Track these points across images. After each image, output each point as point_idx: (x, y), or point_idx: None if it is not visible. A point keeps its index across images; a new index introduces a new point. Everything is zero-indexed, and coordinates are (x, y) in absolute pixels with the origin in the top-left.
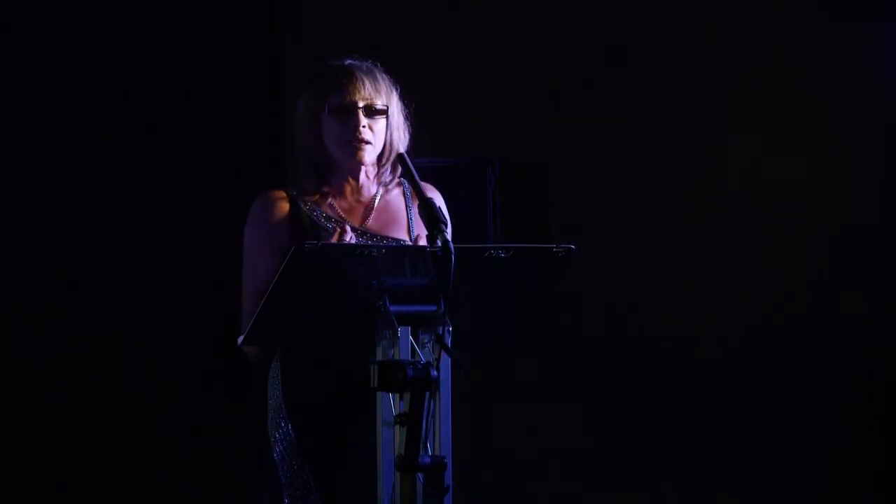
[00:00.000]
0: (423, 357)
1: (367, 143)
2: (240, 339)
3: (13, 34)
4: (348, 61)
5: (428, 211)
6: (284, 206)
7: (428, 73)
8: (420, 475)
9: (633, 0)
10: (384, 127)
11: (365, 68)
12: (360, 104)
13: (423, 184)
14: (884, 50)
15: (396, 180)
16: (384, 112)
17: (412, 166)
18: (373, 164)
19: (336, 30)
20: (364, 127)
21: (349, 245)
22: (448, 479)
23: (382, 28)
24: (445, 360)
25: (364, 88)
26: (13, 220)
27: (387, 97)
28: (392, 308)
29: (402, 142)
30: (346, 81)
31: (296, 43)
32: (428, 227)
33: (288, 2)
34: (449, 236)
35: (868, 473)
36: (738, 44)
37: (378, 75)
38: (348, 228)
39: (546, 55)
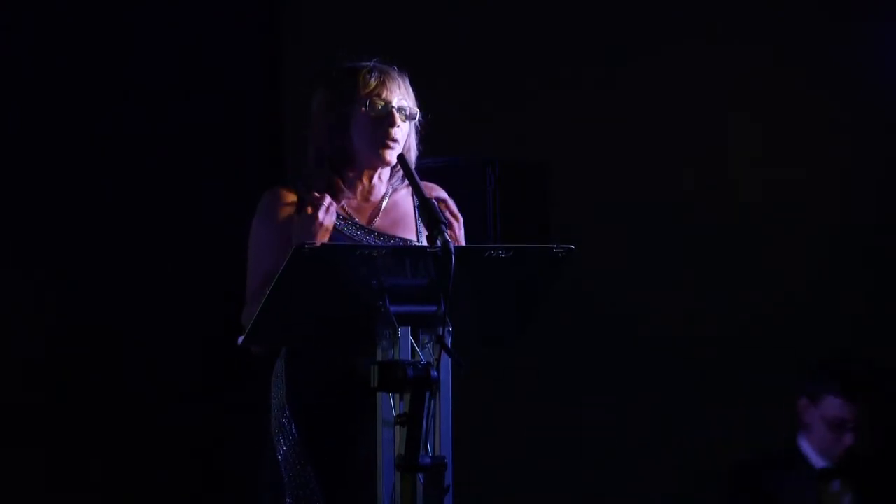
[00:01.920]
0: (423, 357)
1: (398, 143)
2: (240, 339)
3: (13, 34)
4: (378, 63)
5: (428, 211)
6: (293, 204)
7: (428, 73)
8: (420, 475)
9: (633, 0)
10: (408, 131)
11: (397, 70)
12: (396, 104)
13: (431, 185)
14: (884, 50)
15: (406, 182)
16: (414, 117)
17: (412, 167)
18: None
19: (336, 30)
20: (398, 127)
21: (349, 245)
22: (448, 478)
23: (382, 28)
24: (446, 361)
25: (399, 90)
26: (13, 219)
27: (414, 102)
28: (392, 308)
29: (413, 148)
30: (384, 80)
31: (296, 43)
32: (428, 228)
33: (288, 2)
34: (461, 237)
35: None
36: (738, 44)
37: (407, 79)
38: (327, 198)
39: (546, 55)
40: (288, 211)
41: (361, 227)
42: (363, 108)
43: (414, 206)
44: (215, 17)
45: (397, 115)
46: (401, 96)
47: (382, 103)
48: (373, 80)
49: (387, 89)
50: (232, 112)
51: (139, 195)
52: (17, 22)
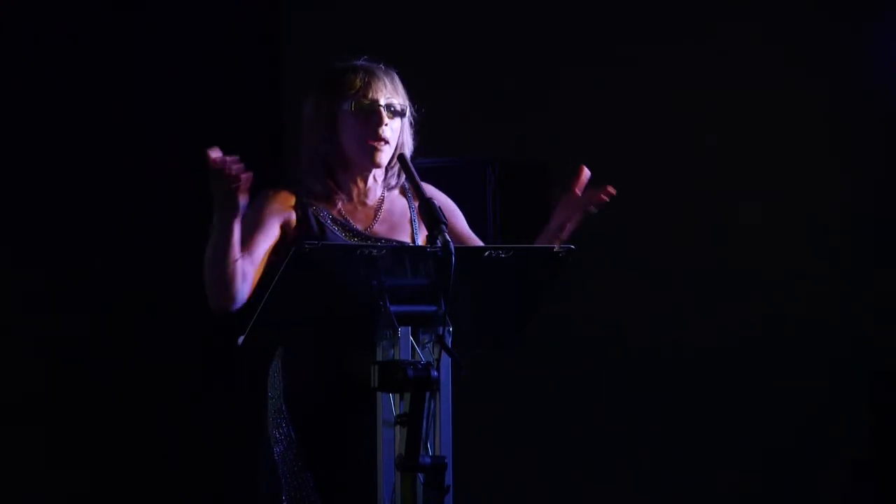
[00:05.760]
0: (423, 357)
1: (387, 142)
2: (240, 340)
3: (13, 34)
4: (364, 62)
5: (428, 211)
6: (290, 206)
7: (428, 73)
8: (420, 475)
9: (633, 1)
10: (399, 128)
11: (384, 68)
12: (383, 102)
13: (429, 187)
14: (884, 50)
15: (402, 183)
16: (403, 113)
17: (412, 167)
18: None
19: (336, 30)
20: (386, 125)
21: (350, 245)
22: (448, 478)
23: (382, 28)
24: (446, 361)
25: (386, 87)
26: (12, 218)
27: (403, 98)
28: (392, 308)
29: (409, 145)
30: (369, 80)
31: (296, 43)
32: (428, 228)
33: (288, 3)
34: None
35: (869, 473)
36: (739, 43)
37: (395, 76)
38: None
39: (546, 55)
40: (280, 210)
41: (358, 233)
42: (349, 109)
43: (409, 209)
44: (216, 18)
45: (384, 113)
46: (388, 94)
47: (368, 102)
48: (358, 79)
49: (372, 88)
50: (232, 113)
51: (139, 195)
52: (18, 23)
